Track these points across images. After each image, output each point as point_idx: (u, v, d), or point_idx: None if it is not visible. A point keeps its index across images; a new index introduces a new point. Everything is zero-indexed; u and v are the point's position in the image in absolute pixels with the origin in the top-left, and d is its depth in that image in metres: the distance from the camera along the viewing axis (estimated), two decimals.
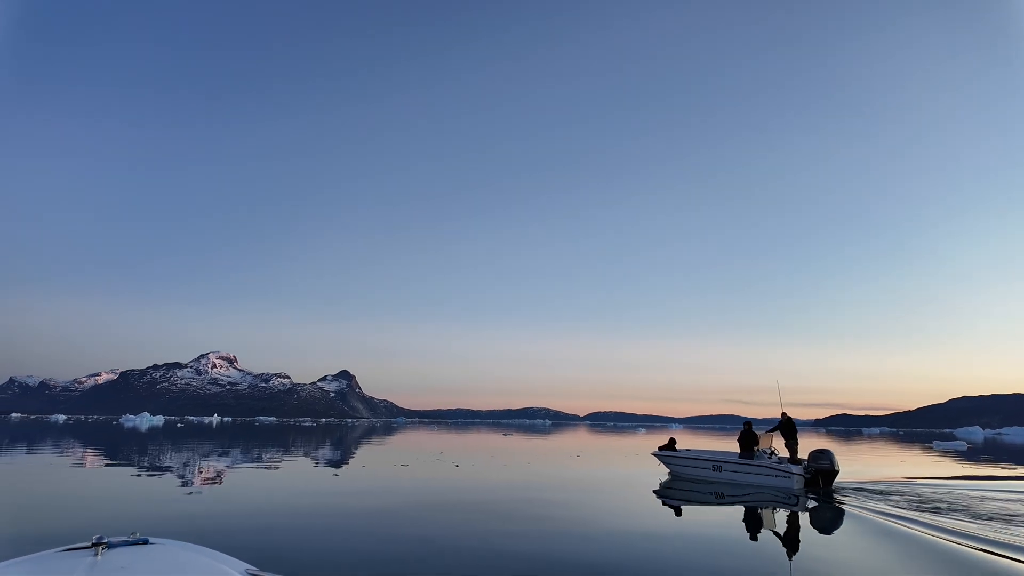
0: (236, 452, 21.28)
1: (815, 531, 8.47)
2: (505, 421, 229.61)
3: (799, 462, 13.06)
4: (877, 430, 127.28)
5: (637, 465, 19.49)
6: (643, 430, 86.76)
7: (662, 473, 15.70)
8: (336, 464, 18.32)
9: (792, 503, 10.97)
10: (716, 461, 14.38)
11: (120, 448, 23.04)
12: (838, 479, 12.75)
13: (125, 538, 2.19)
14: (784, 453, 13.98)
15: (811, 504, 10.82)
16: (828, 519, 9.51)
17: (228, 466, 15.50)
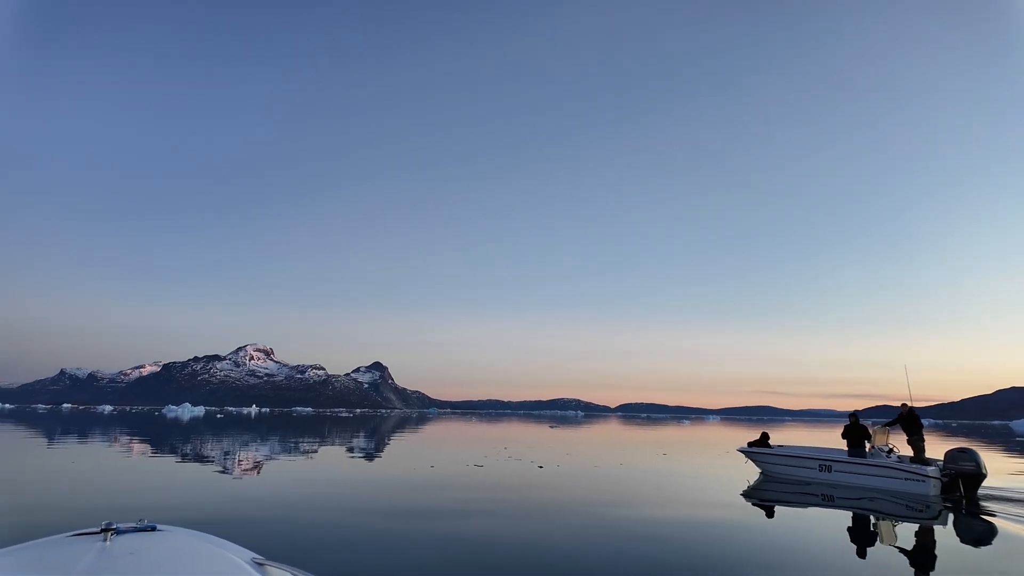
0: (282, 443, 20.54)
1: (960, 550, 6.49)
2: (536, 412, 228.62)
3: (926, 462, 10.96)
4: (926, 422, 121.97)
5: (718, 462, 17.26)
6: (687, 421, 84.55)
7: (749, 472, 13.54)
8: (398, 461, 15.48)
9: (924, 512, 8.89)
10: (824, 460, 12.27)
11: (161, 438, 22.64)
12: (985, 484, 10.41)
13: (134, 524, 2.22)
14: (905, 451, 11.90)
15: (949, 515, 8.71)
16: (976, 535, 7.45)
17: (275, 456, 14.65)
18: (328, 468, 13.83)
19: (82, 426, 32.53)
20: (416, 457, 16.90)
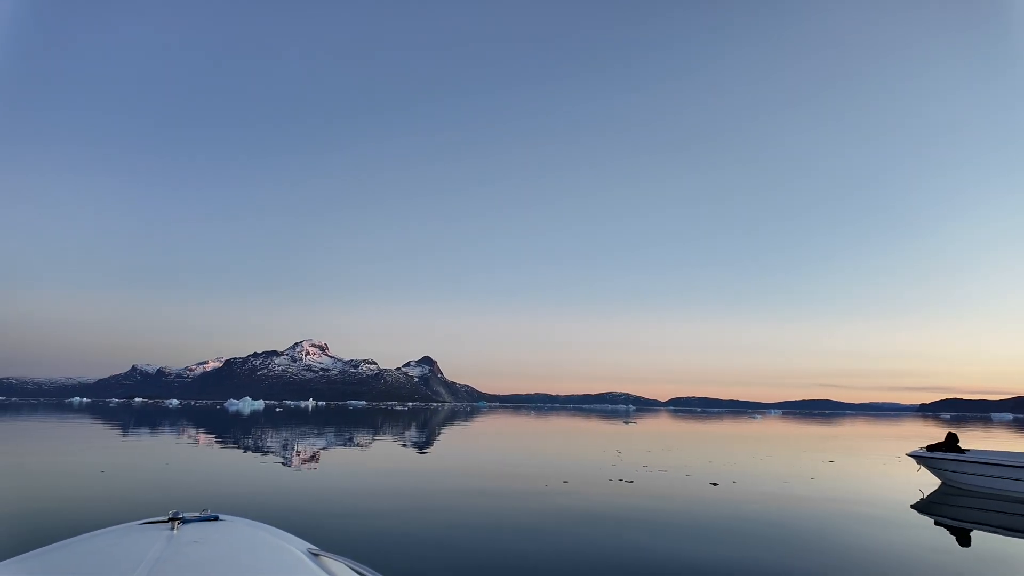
0: (358, 436, 20.46)
1: None
2: (586, 407, 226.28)
3: None
4: (1007, 416, 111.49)
5: (876, 468, 13.60)
6: (758, 416, 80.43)
7: (920, 481, 10.96)
8: (511, 468, 11.94)
9: None
10: None
11: (224, 431, 22.99)
12: None
13: (197, 514, 2.36)
14: None
15: None
16: None
17: (358, 448, 14.41)
18: (416, 466, 12.66)
19: (151, 420, 33.67)
20: (530, 464, 12.96)
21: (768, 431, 33.00)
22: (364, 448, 16.27)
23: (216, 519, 2.37)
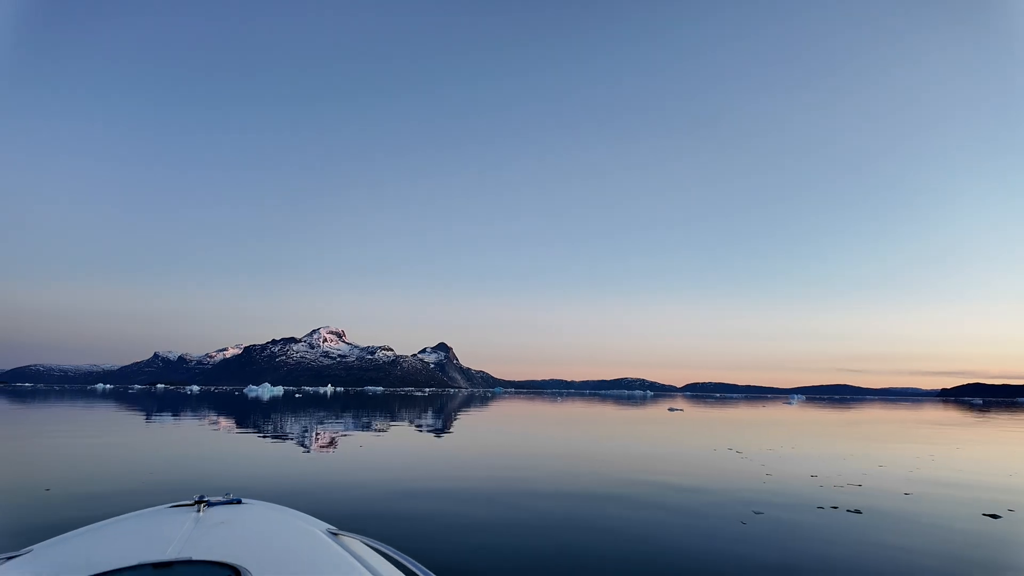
0: (371, 420, 20.18)
1: None
2: (603, 392, 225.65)
3: None
4: None
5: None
6: (794, 401, 77.85)
7: None
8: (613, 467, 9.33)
9: None
10: None
11: (245, 416, 22.87)
12: None
13: (221, 498, 2.53)
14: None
15: None
16: None
17: (391, 435, 14.06)
18: (466, 457, 11.89)
19: (172, 405, 33.82)
20: (624, 455, 11.00)
21: (830, 418, 30.93)
22: (398, 432, 15.90)
23: (239, 502, 2.50)
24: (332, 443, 12.81)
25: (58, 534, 1.99)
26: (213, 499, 2.50)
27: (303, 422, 19.71)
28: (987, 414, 41.03)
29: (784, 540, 5.02)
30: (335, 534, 2.16)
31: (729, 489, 7.47)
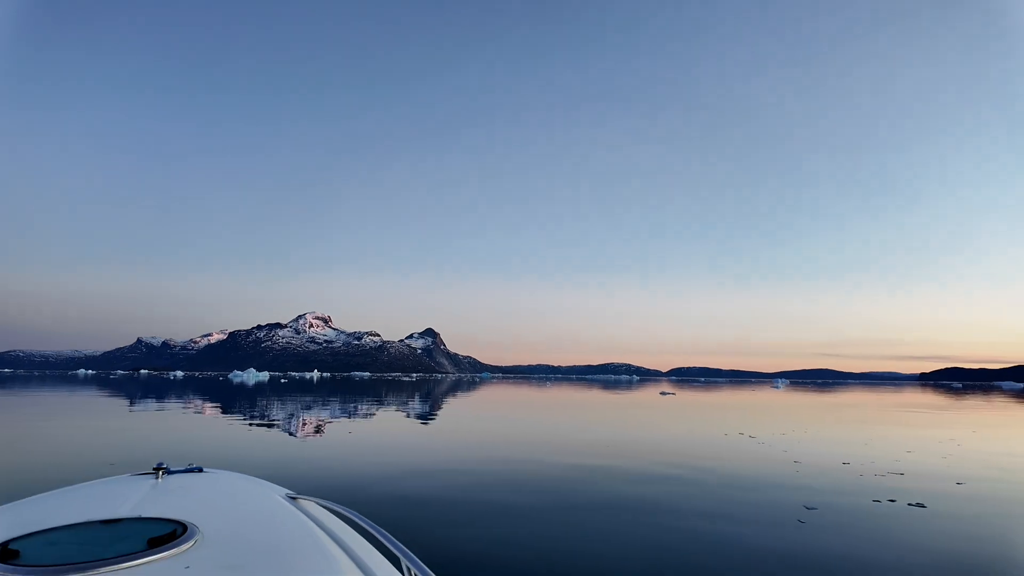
0: (357, 405, 19.42)
1: None
2: (589, 377, 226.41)
3: None
4: (1020, 385, 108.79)
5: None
6: (780, 385, 77.72)
7: None
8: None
9: None
10: None
11: (230, 400, 22.04)
12: None
13: (182, 467, 2.52)
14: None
15: None
16: None
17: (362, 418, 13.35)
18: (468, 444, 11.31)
19: (155, 390, 32.95)
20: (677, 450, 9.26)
21: (824, 402, 30.64)
22: (388, 417, 15.16)
23: (200, 470, 2.50)
24: (319, 429, 12.16)
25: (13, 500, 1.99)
26: (174, 468, 2.48)
27: (289, 407, 18.94)
28: (971, 397, 41.20)
29: (857, 542, 4.29)
30: (293, 498, 2.19)
31: (766, 481, 6.73)
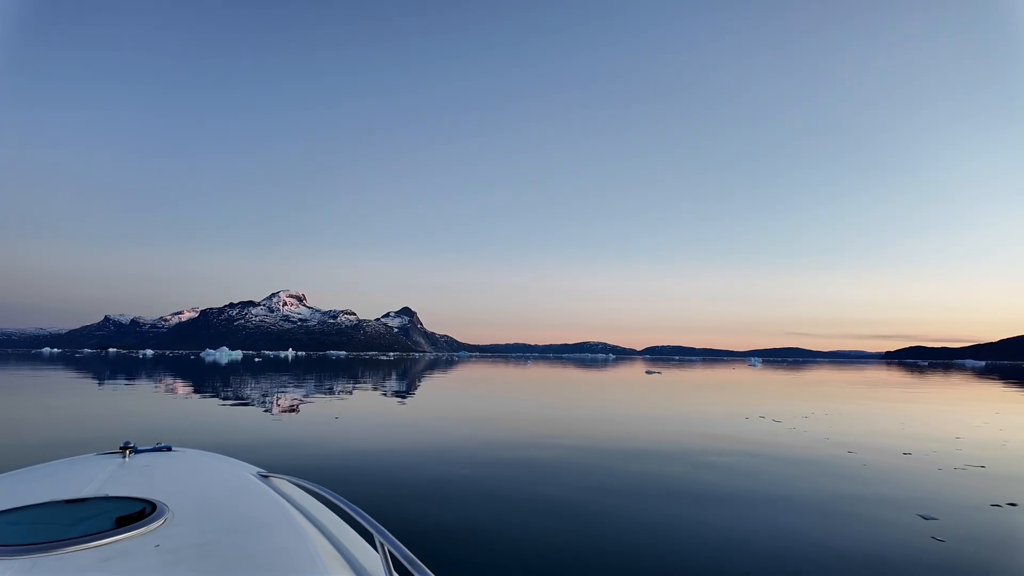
0: (332, 384, 19.21)
1: None
2: (566, 355, 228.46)
3: None
4: (981, 363, 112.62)
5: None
6: (757, 363, 77.02)
7: None
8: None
9: None
10: None
11: (202, 380, 21.60)
12: None
13: (150, 446, 2.47)
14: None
15: None
16: None
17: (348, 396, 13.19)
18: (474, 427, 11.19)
19: (123, 369, 32.21)
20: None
21: (812, 380, 30.94)
22: (369, 397, 15.02)
23: (169, 449, 2.46)
24: (296, 408, 12.00)
25: None
26: (141, 447, 2.42)
27: (264, 386, 18.66)
28: (939, 375, 42.52)
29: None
30: (265, 476, 2.17)
31: (834, 476, 5.92)
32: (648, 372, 37.24)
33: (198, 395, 14.87)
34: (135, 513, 1.51)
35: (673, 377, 30.24)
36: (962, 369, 68.78)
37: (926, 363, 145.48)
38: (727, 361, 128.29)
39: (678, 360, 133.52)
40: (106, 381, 20.46)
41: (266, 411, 11.27)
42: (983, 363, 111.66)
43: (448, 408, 12.70)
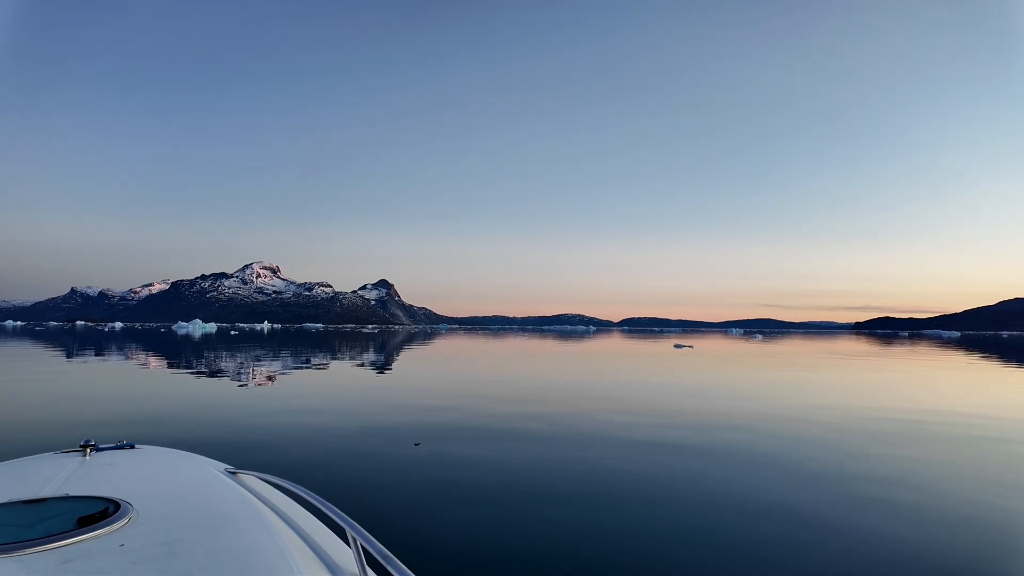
0: (315, 358, 18.02)
1: None
2: (545, 328, 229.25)
3: None
4: (957, 334, 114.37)
5: None
6: (759, 336, 78.39)
7: None
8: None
9: None
10: None
11: (177, 355, 20.22)
12: None
13: (112, 444, 2.35)
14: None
15: None
16: None
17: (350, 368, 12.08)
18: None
19: (91, 344, 30.42)
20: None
21: (805, 351, 30.77)
22: (355, 371, 13.91)
23: (132, 447, 2.34)
24: (272, 379, 10.92)
25: None
26: (103, 444, 2.29)
27: (240, 360, 17.42)
28: (920, 345, 42.93)
29: None
30: (233, 472, 2.12)
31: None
32: (677, 346, 34.58)
33: (173, 371, 13.62)
34: (98, 513, 1.47)
35: (702, 354, 25.96)
36: (936, 340, 70.10)
37: (907, 334, 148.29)
38: (703, 332, 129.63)
39: (657, 331, 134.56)
40: (73, 359, 18.89)
41: (245, 388, 10.20)
42: (958, 334, 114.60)
43: (491, 394, 11.01)
